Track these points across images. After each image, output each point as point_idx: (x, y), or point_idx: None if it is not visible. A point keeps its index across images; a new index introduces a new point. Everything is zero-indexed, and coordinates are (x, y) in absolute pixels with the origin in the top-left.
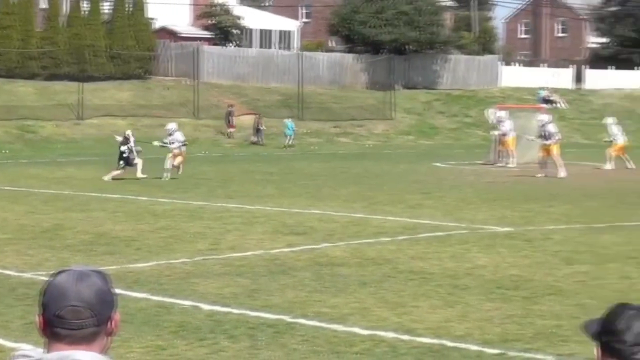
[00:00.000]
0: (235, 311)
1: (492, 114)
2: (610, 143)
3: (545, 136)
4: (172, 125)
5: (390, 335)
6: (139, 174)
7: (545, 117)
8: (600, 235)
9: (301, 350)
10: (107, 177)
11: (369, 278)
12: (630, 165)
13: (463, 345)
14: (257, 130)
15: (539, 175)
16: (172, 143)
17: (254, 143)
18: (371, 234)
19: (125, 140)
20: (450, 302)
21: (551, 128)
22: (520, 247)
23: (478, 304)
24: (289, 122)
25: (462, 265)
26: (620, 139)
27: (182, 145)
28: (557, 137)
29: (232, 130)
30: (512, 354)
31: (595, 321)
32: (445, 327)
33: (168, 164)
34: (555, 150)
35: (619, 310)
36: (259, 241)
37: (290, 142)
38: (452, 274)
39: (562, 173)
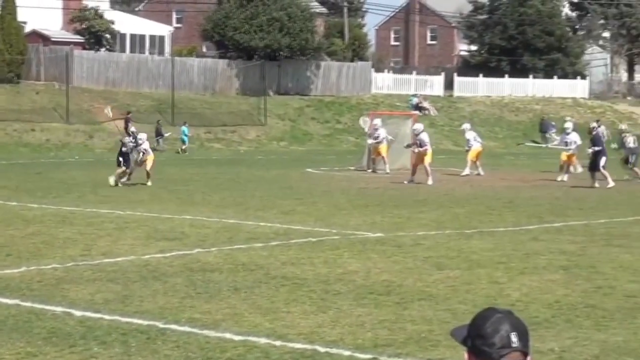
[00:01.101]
0: (107, 317)
1: (366, 122)
2: (467, 150)
3: (418, 144)
4: (143, 135)
5: (263, 340)
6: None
7: (419, 126)
8: (470, 240)
9: (173, 356)
10: (112, 180)
11: (241, 284)
12: (480, 172)
13: (335, 351)
14: (159, 136)
15: (406, 182)
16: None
17: (155, 149)
18: (243, 240)
19: (131, 139)
20: (322, 307)
21: (424, 137)
22: (391, 253)
23: (350, 309)
24: (185, 127)
25: (334, 271)
26: (475, 144)
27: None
28: (428, 146)
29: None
30: (383, 358)
31: (463, 327)
32: (318, 332)
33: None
34: (427, 158)
35: (487, 314)
36: (130, 247)
37: (184, 148)
38: (324, 279)
39: (430, 181)
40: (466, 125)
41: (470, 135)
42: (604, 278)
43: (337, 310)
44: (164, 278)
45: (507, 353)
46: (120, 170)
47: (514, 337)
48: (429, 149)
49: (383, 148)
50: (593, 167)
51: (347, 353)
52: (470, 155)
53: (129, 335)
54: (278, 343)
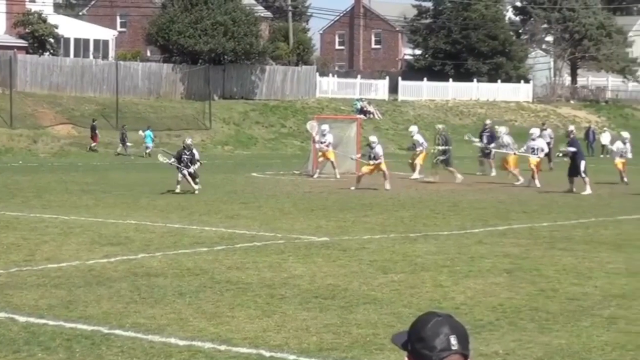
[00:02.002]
0: (51, 323)
1: (313, 127)
2: (419, 152)
3: (372, 157)
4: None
5: (208, 345)
6: (196, 187)
7: (374, 139)
8: (414, 244)
9: None
10: (196, 187)
11: (186, 288)
12: (420, 176)
13: (280, 355)
14: (123, 141)
15: (352, 187)
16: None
17: (120, 154)
18: (188, 244)
19: (184, 151)
20: (267, 311)
21: (379, 150)
22: (336, 257)
23: (295, 314)
24: (148, 132)
25: (279, 275)
26: (426, 146)
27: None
28: (381, 159)
29: (95, 144)
30: None
31: (403, 332)
32: (263, 336)
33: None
34: (383, 166)
35: (427, 318)
36: (75, 252)
37: (148, 152)
38: (269, 283)
39: (387, 185)
40: (414, 128)
41: (420, 137)
42: (547, 281)
43: (282, 314)
44: (109, 283)
45: (447, 356)
46: (194, 180)
47: (453, 340)
48: (382, 160)
49: (331, 153)
50: (573, 172)
51: (292, 357)
52: (421, 160)
53: (73, 340)
54: (223, 347)
